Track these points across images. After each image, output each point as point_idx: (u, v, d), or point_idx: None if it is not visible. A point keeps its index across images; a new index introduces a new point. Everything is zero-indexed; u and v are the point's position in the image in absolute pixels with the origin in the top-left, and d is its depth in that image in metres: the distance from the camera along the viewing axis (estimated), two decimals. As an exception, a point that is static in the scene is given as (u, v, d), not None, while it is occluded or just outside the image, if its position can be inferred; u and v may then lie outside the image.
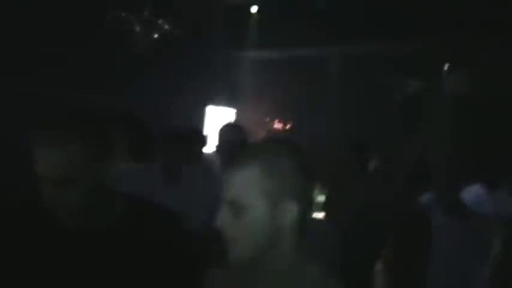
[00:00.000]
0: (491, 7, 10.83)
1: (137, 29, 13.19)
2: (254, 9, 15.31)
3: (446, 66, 15.26)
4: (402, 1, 11.64)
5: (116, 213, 2.35)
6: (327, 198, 6.73)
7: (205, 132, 12.62)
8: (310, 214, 2.10)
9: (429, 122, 14.54)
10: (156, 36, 13.37)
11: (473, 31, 11.48)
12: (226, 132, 4.92)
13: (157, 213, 2.50)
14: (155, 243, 2.37)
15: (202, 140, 6.34)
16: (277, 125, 17.09)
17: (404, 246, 3.99)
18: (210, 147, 7.39)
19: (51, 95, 11.57)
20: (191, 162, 5.20)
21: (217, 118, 15.22)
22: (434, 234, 3.94)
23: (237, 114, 16.08)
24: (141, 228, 2.37)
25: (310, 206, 2.08)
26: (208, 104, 15.21)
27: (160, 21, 13.27)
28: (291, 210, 1.96)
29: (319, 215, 6.47)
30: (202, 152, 6.12)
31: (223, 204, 1.99)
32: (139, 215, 2.41)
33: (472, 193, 4.50)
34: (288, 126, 17.12)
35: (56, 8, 11.95)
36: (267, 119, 16.81)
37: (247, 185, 1.95)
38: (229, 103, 15.93)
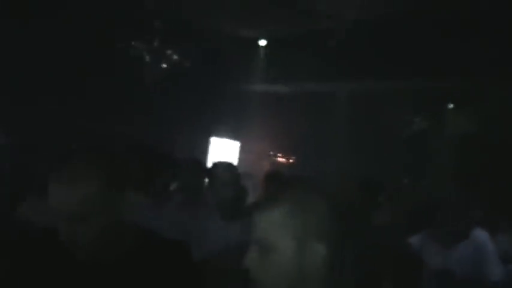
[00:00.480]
0: (498, 46, 10.87)
1: (146, 58, 13.23)
2: (263, 42, 15.35)
3: (452, 105, 15.33)
4: (411, 41, 11.66)
5: (127, 245, 2.36)
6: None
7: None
8: (341, 256, 2.04)
9: (435, 160, 14.57)
10: (164, 66, 13.41)
11: (480, 70, 11.51)
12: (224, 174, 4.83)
13: (168, 244, 2.50)
14: (165, 273, 2.37)
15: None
16: (281, 159, 17.10)
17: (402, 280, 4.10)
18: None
19: (60, 125, 11.62)
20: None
21: (221, 150, 15.23)
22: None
23: (241, 147, 16.09)
24: (152, 260, 2.37)
25: (339, 247, 2.01)
26: (213, 136, 15.22)
27: (169, 52, 13.32)
28: (319, 252, 1.94)
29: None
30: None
31: (250, 243, 1.98)
32: (149, 247, 2.41)
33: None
34: (291, 161, 17.13)
35: (65, 37, 12.00)
36: (270, 153, 16.83)
37: (275, 224, 1.93)
38: (233, 136, 15.94)
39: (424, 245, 4.45)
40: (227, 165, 4.88)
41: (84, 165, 2.16)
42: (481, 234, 4.35)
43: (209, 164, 6.83)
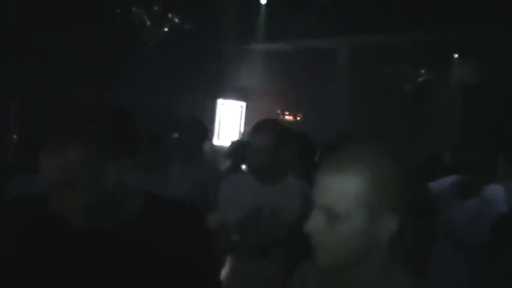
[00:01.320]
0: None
1: (147, 23, 13.19)
2: (264, 1, 15.28)
3: (456, 57, 15.26)
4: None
5: (132, 211, 2.29)
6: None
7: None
8: (410, 226, 1.94)
9: (440, 112, 14.54)
10: (166, 30, 13.36)
11: (485, 22, 11.45)
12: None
13: (178, 207, 2.43)
14: (176, 238, 2.30)
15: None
16: (288, 117, 17.11)
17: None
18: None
19: (59, 92, 11.63)
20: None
21: (227, 111, 15.22)
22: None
23: (247, 107, 16.07)
24: (161, 224, 2.30)
25: (410, 217, 1.90)
26: (218, 97, 15.19)
27: (170, 15, 13.26)
28: (390, 223, 1.84)
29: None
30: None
31: (314, 208, 1.88)
32: (158, 211, 2.34)
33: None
34: (298, 118, 17.13)
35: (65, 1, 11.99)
36: (277, 111, 16.82)
37: (346, 193, 1.82)
38: (239, 96, 15.91)
39: (441, 193, 4.32)
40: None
41: (69, 133, 2.12)
42: (495, 191, 4.12)
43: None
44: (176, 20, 13.30)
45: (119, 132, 2.23)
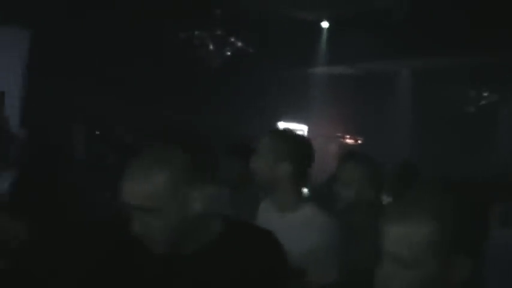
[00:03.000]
0: None
1: (210, 46, 13.32)
2: (325, 24, 15.31)
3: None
4: (475, 14, 11.47)
5: (211, 236, 2.34)
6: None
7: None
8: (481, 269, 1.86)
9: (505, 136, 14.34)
10: (228, 53, 13.48)
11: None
12: None
13: (254, 233, 2.49)
14: (252, 263, 2.34)
15: None
16: (349, 141, 17.04)
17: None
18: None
19: (131, 113, 11.84)
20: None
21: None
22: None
23: (309, 130, 16.07)
24: (238, 249, 2.35)
25: (481, 259, 1.85)
26: (280, 120, 15.21)
27: (232, 39, 13.37)
28: (463, 267, 1.79)
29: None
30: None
31: (384, 253, 1.84)
32: (236, 235, 2.40)
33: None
34: (358, 142, 17.06)
35: (132, 26, 12.19)
36: (338, 134, 16.79)
37: (417, 240, 1.76)
38: (300, 119, 15.92)
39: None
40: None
41: (156, 161, 2.18)
42: None
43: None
44: (239, 44, 13.41)
45: (204, 159, 2.29)
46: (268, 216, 3.49)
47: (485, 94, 15.80)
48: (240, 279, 2.30)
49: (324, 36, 15.54)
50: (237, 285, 2.31)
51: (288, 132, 3.73)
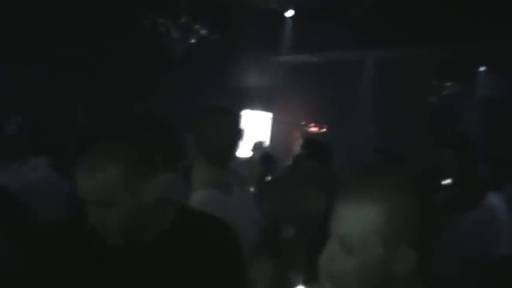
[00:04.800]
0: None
1: (174, 34, 13.25)
2: (289, 13, 15.34)
3: (483, 69, 15.22)
4: (439, 6, 11.59)
5: (164, 225, 2.35)
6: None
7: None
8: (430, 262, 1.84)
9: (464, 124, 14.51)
10: (193, 41, 13.42)
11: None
12: None
13: (209, 220, 2.49)
14: (204, 249, 2.36)
15: None
16: (313, 129, 17.11)
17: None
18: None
19: (86, 99, 11.76)
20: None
21: (253, 122, 15.27)
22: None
23: (273, 118, 16.12)
24: (192, 237, 2.37)
25: (430, 254, 1.83)
26: (244, 108, 15.23)
27: (197, 26, 13.31)
28: (408, 258, 1.77)
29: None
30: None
31: (332, 235, 1.84)
32: (190, 225, 2.41)
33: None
34: (323, 130, 17.13)
35: (92, 11, 12.10)
36: (303, 123, 16.84)
37: (365, 222, 1.76)
38: (264, 107, 15.96)
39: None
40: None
41: (110, 154, 2.18)
42: (494, 202, 4.17)
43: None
44: (202, 32, 13.35)
45: (158, 149, 2.29)
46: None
47: (447, 84, 15.97)
48: (193, 265, 2.32)
49: (289, 25, 15.59)
50: (191, 271, 2.32)
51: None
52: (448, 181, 4.15)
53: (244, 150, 14.36)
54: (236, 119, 3.43)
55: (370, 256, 1.76)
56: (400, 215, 1.75)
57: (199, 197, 3.17)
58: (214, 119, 3.29)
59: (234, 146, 3.36)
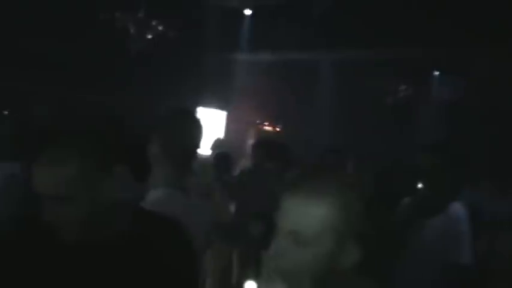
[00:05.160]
0: (487, 17, 10.94)
1: (131, 29, 13.18)
2: (248, 12, 15.35)
3: (438, 73, 15.39)
4: (396, 9, 11.71)
5: (121, 225, 2.31)
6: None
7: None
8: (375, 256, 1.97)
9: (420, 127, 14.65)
10: (149, 37, 13.36)
11: (466, 40, 11.59)
12: None
13: (164, 223, 2.47)
14: (161, 253, 2.34)
15: None
16: (268, 128, 17.14)
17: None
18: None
19: (43, 93, 11.63)
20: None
21: (208, 120, 15.24)
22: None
23: (228, 116, 16.11)
24: (147, 239, 2.34)
25: (374, 247, 2.02)
26: (200, 106, 15.19)
27: (154, 22, 13.25)
28: (354, 252, 1.90)
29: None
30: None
31: (281, 229, 1.90)
32: (145, 226, 2.38)
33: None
34: (278, 129, 17.17)
35: (49, 6, 11.97)
36: (257, 121, 16.86)
37: (316, 217, 1.85)
38: (220, 105, 15.94)
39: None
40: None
41: (69, 148, 2.14)
42: (458, 210, 4.23)
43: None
44: (160, 28, 13.30)
45: (114, 145, 2.25)
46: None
47: (403, 86, 16.12)
48: (146, 267, 2.30)
49: (247, 23, 15.59)
50: (146, 273, 2.30)
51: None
52: (419, 185, 4.19)
53: (202, 149, 14.32)
54: (199, 122, 3.55)
55: (322, 250, 1.86)
56: (350, 211, 1.88)
57: (156, 196, 3.25)
58: (178, 122, 3.44)
59: (195, 147, 3.51)
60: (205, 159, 9.35)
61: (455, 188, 4.51)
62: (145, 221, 2.41)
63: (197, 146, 3.53)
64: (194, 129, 3.51)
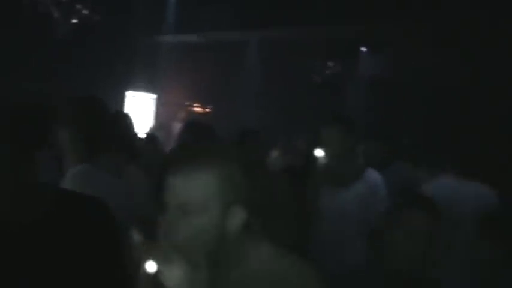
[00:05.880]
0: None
1: (55, 14, 12.96)
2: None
3: (364, 49, 15.55)
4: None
5: (41, 206, 2.26)
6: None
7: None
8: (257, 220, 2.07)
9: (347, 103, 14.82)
10: (74, 21, 13.16)
11: (390, 17, 11.75)
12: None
13: (87, 203, 2.43)
14: (85, 233, 2.31)
15: None
16: (197, 109, 17.13)
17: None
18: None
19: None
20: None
21: (138, 104, 15.14)
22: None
23: (157, 99, 16.02)
24: (70, 220, 2.30)
25: (258, 209, 2.07)
26: (128, 89, 15.08)
27: (78, 6, 13.06)
28: (239, 216, 2.00)
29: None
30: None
31: (170, 205, 1.99)
32: (67, 208, 2.34)
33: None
34: (207, 110, 17.18)
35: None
36: (187, 103, 16.83)
37: (201, 188, 1.96)
38: (149, 88, 15.84)
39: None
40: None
41: None
42: (373, 175, 4.42)
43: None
44: (84, 12, 13.11)
45: (35, 129, 2.22)
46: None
47: (330, 64, 16.27)
48: (70, 249, 2.27)
49: (173, 4, 15.50)
50: (68, 254, 2.26)
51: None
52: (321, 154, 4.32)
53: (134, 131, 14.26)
54: (99, 105, 3.84)
55: (209, 217, 1.97)
56: (228, 178, 1.99)
57: (71, 173, 3.51)
58: (79, 108, 3.75)
59: (101, 129, 3.77)
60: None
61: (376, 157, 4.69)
62: (63, 200, 2.37)
63: (104, 127, 3.78)
64: (97, 113, 3.76)
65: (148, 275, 1.94)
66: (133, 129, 4.47)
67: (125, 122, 4.39)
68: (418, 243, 2.80)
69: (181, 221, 1.95)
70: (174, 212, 1.96)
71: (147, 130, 11.11)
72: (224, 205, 1.97)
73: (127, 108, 14.59)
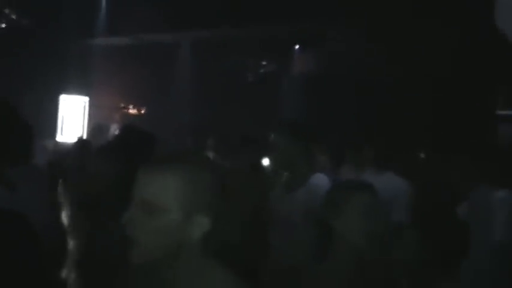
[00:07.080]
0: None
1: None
2: (104, -5, 15.16)
3: (296, 47, 15.66)
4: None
5: None
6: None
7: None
8: (220, 229, 2.09)
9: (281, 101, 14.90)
10: (3, 26, 12.96)
11: (322, 14, 11.87)
12: None
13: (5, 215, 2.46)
14: (5, 246, 2.33)
15: None
16: (132, 111, 17.02)
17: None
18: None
19: None
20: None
21: (70, 107, 15.00)
22: None
23: (90, 101, 15.86)
24: None
25: (222, 222, 2.07)
26: (61, 93, 14.90)
27: (7, 11, 12.87)
28: (202, 223, 2.00)
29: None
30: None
31: (132, 203, 2.00)
32: None
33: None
34: (142, 112, 17.09)
35: None
36: (121, 105, 16.71)
37: (166, 188, 1.96)
38: (82, 91, 15.66)
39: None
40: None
41: None
42: (320, 179, 4.41)
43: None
44: (13, 16, 12.92)
45: None
46: None
47: (264, 63, 16.35)
48: None
49: (104, 6, 15.38)
50: None
51: None
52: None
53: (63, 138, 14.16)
54: (14, 113, 3.59)
55: (170, 219, 1.96)
56: (194, 185, 1.99)
57: None
58: None
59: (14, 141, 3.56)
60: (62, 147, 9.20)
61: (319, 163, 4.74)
62: None
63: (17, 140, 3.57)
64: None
65: None
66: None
67: None
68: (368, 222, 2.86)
69: (141, 217, 1.95)
70: (136, 206, 1.98)
71: (80, 134, 10.98)
72: (186, 212, 1.97)
73: (60, 112, 14.46)
